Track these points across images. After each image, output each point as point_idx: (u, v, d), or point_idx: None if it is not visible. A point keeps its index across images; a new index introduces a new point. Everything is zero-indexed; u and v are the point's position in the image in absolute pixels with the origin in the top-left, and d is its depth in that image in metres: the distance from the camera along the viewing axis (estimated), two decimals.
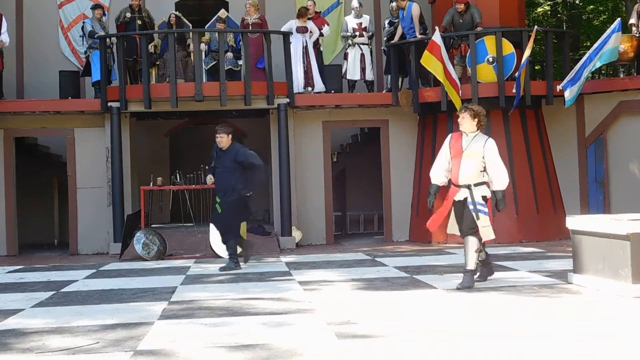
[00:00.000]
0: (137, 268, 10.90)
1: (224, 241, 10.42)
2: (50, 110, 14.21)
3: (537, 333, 5.68)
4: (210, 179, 10.41)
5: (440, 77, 13.06)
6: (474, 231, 7.89)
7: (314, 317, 6.55)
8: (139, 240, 12.25)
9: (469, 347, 5.25)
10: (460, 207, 7.94)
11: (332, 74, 14.76)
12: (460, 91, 13.14)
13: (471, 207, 7.86)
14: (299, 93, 14.30)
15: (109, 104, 13.77)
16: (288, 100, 14.04)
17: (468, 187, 7.88)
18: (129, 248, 12.58)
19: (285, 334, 5.86)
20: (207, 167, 10.77)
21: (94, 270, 10.74)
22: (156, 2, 15.69)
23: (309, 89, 14.41)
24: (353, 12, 14.73)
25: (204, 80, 13.77)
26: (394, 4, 14.70)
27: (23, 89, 15.58)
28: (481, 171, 7.90)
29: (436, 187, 8.15)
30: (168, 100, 13.42)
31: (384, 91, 14.99)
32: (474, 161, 7.86)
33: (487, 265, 8.34)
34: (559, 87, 13.32)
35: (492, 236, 8.01)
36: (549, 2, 23.62)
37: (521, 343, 5.35)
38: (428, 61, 13.09)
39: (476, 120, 7.90)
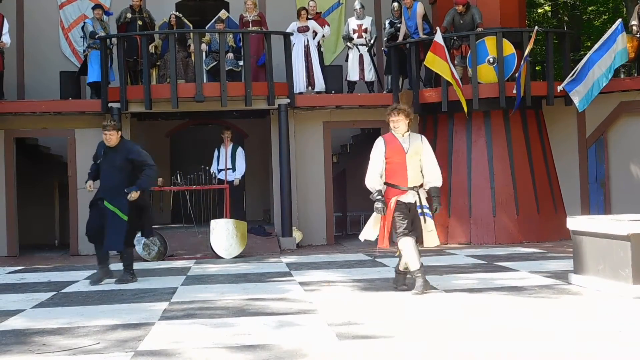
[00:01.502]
0: (137, 269, 10.83)
1: (125, 252, 9.29)
2: (51, 110, 14.20)
3: (537, 333, 5.68)
4: (90, 185, 9.39)
5: (448, 77, 13.07)
6: (413, 234, 7.68)
7: (315, 317, 6.55)
8: (140, 241, 12.24)
9: (469, 347, 5.25)
10: (405, 209, 7.68)
11: (333, 75, 14.76)
12: (462, 91, 13.15)
13: (419, 210, 7.69)
14: (299, 93, 14.31)
15: (110, 104, 13.76)
16: (288, 100, 14.04)
17: (415, 189, 7.71)
18: None
19: (286, 334, 5.86)
20: (89, 172, 9.50)
21: (95, 271, 10.71)
22: (157, 2, 15.69)
23: (310, 88, 14.41)
24: (355, 13, 14.73)
25: (205, 81, 13.76)
26: (395, 4, 14.70)
27: (24, 90, 15.57)
28: (421, 172, 7.77)
29: (379, 192, 7.72)
30: (169, 100, 13.41)
31: (384, 92, 14.99)
32: (417, 161, 7.73)
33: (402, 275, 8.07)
34: (559, 88, 13.34)
35: (437, 242, 7.89)
36: (550, 3, 23.62)
37: (522, 343, 5.35)
38: (432, 62, 13.10)
39: (409, 119, 7.77)
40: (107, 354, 5.35)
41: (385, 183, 7.76)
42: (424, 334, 5.75)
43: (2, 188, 14.16)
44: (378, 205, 7.70)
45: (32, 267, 11.74)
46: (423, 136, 7.95)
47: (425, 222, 7.72)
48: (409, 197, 7.69)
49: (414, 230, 7.73)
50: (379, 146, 7.78)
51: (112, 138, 9.17)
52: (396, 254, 8.10)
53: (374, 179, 7.76)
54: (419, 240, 7.79)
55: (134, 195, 8.96)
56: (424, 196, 7.78)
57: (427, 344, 5.41)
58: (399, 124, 7.73)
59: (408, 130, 7.81)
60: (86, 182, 9.50)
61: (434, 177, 7.78)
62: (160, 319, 6.68)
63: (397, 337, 5.67)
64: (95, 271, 9.55)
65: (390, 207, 7.64)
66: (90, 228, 9.32)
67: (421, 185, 7.80)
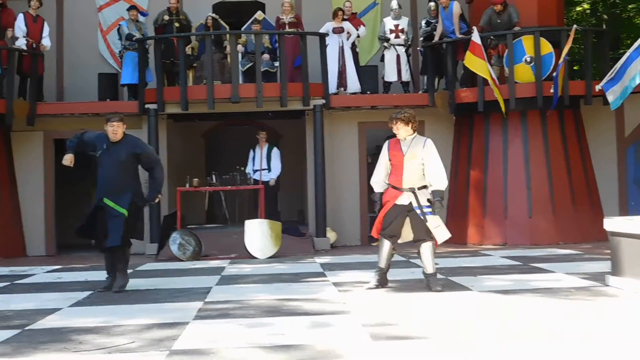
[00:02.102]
0: (172, 268, 10.99)
1: (120, 251, 8.57)
2: (89, 112, 14.38)
3: (572, 334, 5.62)
4: (70, 160, 8.69)
5: (487, 76, 12.99)
6: (430, 237, 7.93)
7: (349, 318, 6.55)
8: (175, 241, 12.35)
9: (503, 348, 5.20)
10: (401, 211, 7.94)
11: (368, 75, 14.73)
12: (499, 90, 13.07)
13: (418, 211, 7.89)
14: (334, 94, 14.31)
15: (147, 106, 13.90)
16: (324, 101, 14.05)
17: (412, 190, 7.90)
18: (165, 248, 12.69)
19: (320, 335, 5.86)
20: (63, 158, 8.76)
21: (131, 271, 10.74)
22: (193, 4, 15.79)
23: (342, 89, 14.41)
24: (392, 13, 14.69)
25: (240, 82, 13.84)
26: (432, 3, 14.63)
27: (63, 92, 15.78)
28: (423, 174, 7.96)
29: (379, 195, 8.16)
30: (205, 102, 13.50)
31: (420, 92, 14.93)
32: (415, 164, 7.92)
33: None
34: (597, 87, 13.15)
35: (447, 235, 8.03)
36: (588, 1, 23.32)
37: (556, 344, 5.30)
38: (470, 62, 13.02)
39: (410, 124, 7.97)
40: (142, 353, 5.40)
41: (387, 183, 8.11)
42: (458, 335, 5.72)
43: (41, 188, 14.37)
44: (377, 206, 8.18)
45: (69, 266, 11.90)
46: (428, 140, 8.10)
47: (427, 220, 7.89)
48: (404, 199, 7.94)
49: (397, 236, 8.09)
50: (383, 149, 8.19)
51: (118, 131, 8.54)
52: (374, 244, 8.70)
53: (375, 181, 8.21)
54: (424, 240, 7.98)
55: (157, 200, 8.84)
56: (423, 197, 7.93)
57: (463, 345, 5.37)
58: (399, 130, 8.02)
59: (413, 134, 8.03)
60: (66, 155, 8.69)
61: (435, 180, 7.93)
62: (194, 318, 6.72)
63: (432, 338, 5.65)
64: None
65: (386, 206, 8.01)
66: (86, 225, 8.64)
67: (422, 187, 7.95)
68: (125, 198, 8.39)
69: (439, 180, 7.92)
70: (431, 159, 7.94)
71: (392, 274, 9.22)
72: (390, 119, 8.05)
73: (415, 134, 8.07)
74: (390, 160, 8.04)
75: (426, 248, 8.00)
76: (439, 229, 7.96)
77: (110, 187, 8.43)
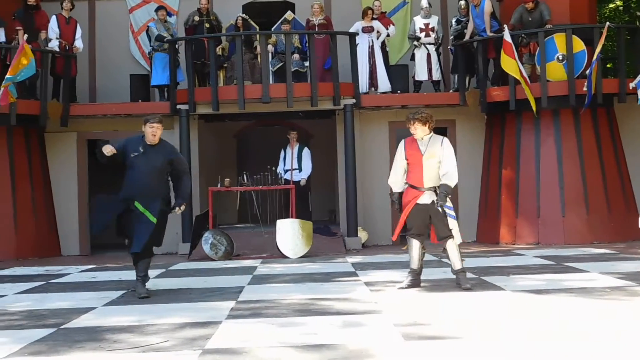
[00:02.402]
0: (205, 268, 11.04)
1: (141, 258, 8.32)
2: (122, 113, 14.52)
3: (606, 334, 5.55)
4: (111, 151, 8.36)
5: (518, 75, 12.89)
6: (450, 235, 7.98)
7: (381, 318, 6.54)
8: (207, 241, 12.41)
9: (536, 348, 5.16)
10: (423, 210, 7.97)
11: (399, 74, 14.70)
12: (530, 90, 12.95)
13: (440, 210, 7.91)
14: (364, 93, 14.29)
15: (178, 106, 13.99)
16: (354, 100, 14.04)
17: (434, 190, 7.94)
18: (197, 248, 12.76)
19: (352, 334, 5.86)
20: (103, 147, 8.40)
21: (163, 270, 10.92)
22: (223, 5, 15.87)
23: (372, 89, 14.39)
24: (422, 12, 14.64)
25: (271, 82, 13.88)
26: (462, 2, 14.55)
27: (95, 93, 15.94)
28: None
29: (398, 195, 8.18)
30: (235, 102, 13.56)
31: (450, 91, 14.86)
32: (434, 163, 7.95)
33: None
34: (631, 85, 13.00)
35: (459, 240, 8.10)
36: None
37: (590, 344, 5.24)
38: (505, 63, 12.93)
39: (427, 124, 8.02)
40: (176, 352, 5.44)
41: (406, 183, 8.10)
42: (491, 335, 5.68)
43: (75, 189, 14.53)
44: (395, 206, 8.26)
45: (103, 266, 12.01)
46: (445, 139, 8.13)
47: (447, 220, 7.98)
48: (426, 198, 7.96)
49: (424, 235, 8.15)
50: (399, 148, 8.19)
51: (157, 133, 8.23)
52: (403, 249, 8.55)
53: (393, 180, 8.21)
54: (448, 237, 8.03)
55: (183, 208, 8.46)
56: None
57: (496, 345, 5.34)
58: (416, 130, 8.06)
59: (429, 134, 8.08)
60: (106, 146, 8.35)
61: (448, 176, 7.95)
62: (227, 317, 6.75)
63: (464, 337, 5.62)
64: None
65: (408, 207, 7.98)
66: (102, 220, 8.47)
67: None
68: (155, 205, 8.14)
69: (451, 177, 7.94)
70: (447, 156, 7.98)
71: (424, 274, 9.17)
72: (408, 119, 8.10)
73: (432, 133, 8.10)
74: (407, 159, 8.06)
75: (451, 245, 8.04)
76: (453, 232, 8.01)
77: (143, 192, 8.13)
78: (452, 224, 7.99)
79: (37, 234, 13.91)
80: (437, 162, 7.96)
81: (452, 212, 7.99)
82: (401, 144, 8.20)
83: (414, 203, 7.97)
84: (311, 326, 6.20)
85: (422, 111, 8.15)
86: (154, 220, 8.10)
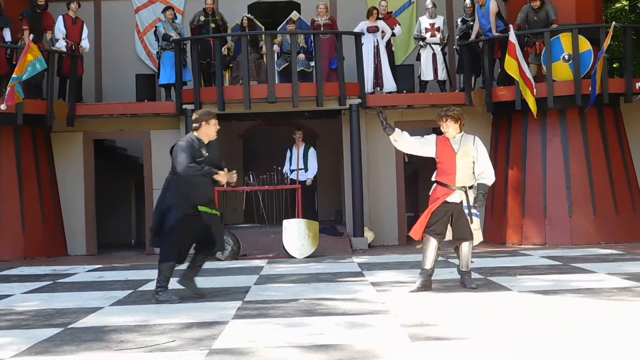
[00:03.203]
0: (211, 268, 11.03)
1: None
2: (128, 113, 14.55)
3: (614, 335, 5.54)
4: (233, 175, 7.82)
5: (517, 76, 12.86)
6: (471, 236, 7.91)
7: (387, 318, 6.53)
8: None
9: (543, 349, 5.15)
10: (449, 210, 7.85)
11: (404, 74, 14.69)
12: (535, 90, 12.91)
13: (466, 211, 7.82)
14: (370, 93, 14.29)
15: (184, 106, 14.00)
16: (360, 100, 14.04)
17: (464, 190, 7.83)
18: None
19: (359, 335, 5.86)
20: (195, 163, 7.65)
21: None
22: (229, 5, 15.89)
23: (378, 89, 14.38)
24: (427, 12, 14.63)
25: (277, 82, 13.89)
26: (468, 1, 14.54)
27: (101, 93, 15.98)
28: (473, 173, 7.87)
29: (396, 131, 8.11)
30: (241, 102, 13.57)
31: (456, 91, 14.85)
32: (467, 162, 7.85)
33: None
34: (638, 85, 12.97)
35: (481, 239, 8.06)
36: None
37: (597, 344, 5.23)
38: (509, 64, 12.89)
39: (459, 122, 7.91)
40: (183, 352, 5.44)
41: (435, 181, 7.97)
42: (499, 336, 5.67)
43: (82, 188, 14.57)
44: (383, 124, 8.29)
45: (110, 265, 12.03)
46: (477, 137, 8.06)
47: (472, 222, 7.88)
48: (455, 197, 7.84)
49: (443, 235, 7.94)
50: (430, 139, 8.02)
51: (217, 129, 7.96)
52: (418, 247, 8.35)
53: (407, 139, 8.10)
54: (465, 239, 7.96)
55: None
56: (472, 197, 7.86)
57: (503, 346, 5.33)
58: (449, 128, 7.95)
59: (460, 132, 7.98)
60: (215, 171, 7.68)
61: (486, 175, 7.88)
62: (234, 317, 6.76)
63: (472, 338, 5.61)
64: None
65: (435, 204, 7.84)
66: (181, 248, 7.90)
67: (471, 187, 7.89)
68: (213, 201, 8.05)
69: (489, 175, 7.88)
70: (482, 155, 7.90)
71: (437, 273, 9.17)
72: (440, 117, 7.94)
73: (463, 132, 8.00)
74: (437, 157, 7.92)
75: (466, 246, 7.99)
76: (478, 232, 7.97)
77: (205, 193, 7.85)
78: (478, 223, 7.91)
79: (44, 233, 13.95)
80: (471, 161, 7.85)
81: (477, 212, 7.90)
82: (433, 136, 8.03)
83: (443, 201, 7.79)
84: (318, 326, 6.20)
85: (453, 108, 8.01)
86: (217, 212, 8.00)
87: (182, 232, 7.71)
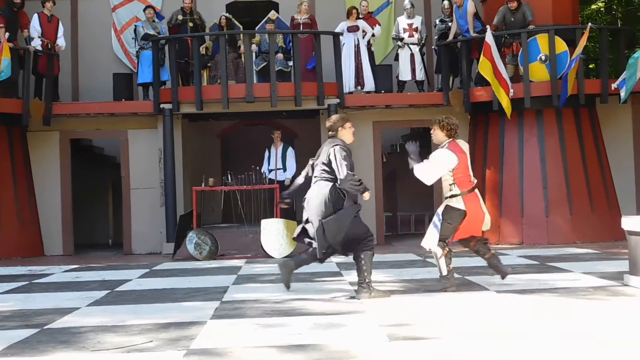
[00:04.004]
0: (189, 268, 11.02)
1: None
2: (105, 112, 14.47)
3: (590, 334, 5.59)
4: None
5: (489, 77, 12.93)
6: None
7: (365, 318, 6.54)
8: (191, 240, 12.38)
9: (522, 349, 5.18)
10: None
11: (382, 74, 14.73)
12: (511, 91, 13.00)
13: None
14: (349, 93, 14.30)
15: (162, 105, 13.95)
16: (338, 100, 14.05)
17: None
18: (181, 248, 12.73)
19: (337, 335, 5.86)
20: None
21: (148, 270, 10.89)
22: (207, 4, 15.85)
23: (359, 88, 14.41)
24: (405, 12, 14.67)
25: (255, 82, 13.87)
26: (446, 2, 14.60)
27: (78, 92, 15.87)
28: (450, 180, 7.84)
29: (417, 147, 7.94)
30: (219, 101, 13.54)
31: (434, 91, 14.91)
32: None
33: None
34: (613, 86, 13.08)
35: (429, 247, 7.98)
36: None
37: (575, 344, 5.27)
38: (483, 66, 12.95)
39: (444, 131, 7.86)
40: (160, 352, 5.42)
41: (470, 190, 7.85)
42: (477, 335, 5.70)
43: (58, 188, 14.46)
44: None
45: (87, 265, 11.96)
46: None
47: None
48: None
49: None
50: (451, 158, 7.78)
51: None
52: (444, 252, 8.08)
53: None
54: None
55: None
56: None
57: (480, 345, 5.36)
58: (435, 135, 7.99)
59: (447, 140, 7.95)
60: (367, 189, 7.72)
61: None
62: (212, 317, 6.74)
63: (450, 338, 5.63)
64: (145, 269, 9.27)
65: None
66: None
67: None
68: None
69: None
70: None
71: (409, 274, 9.23)
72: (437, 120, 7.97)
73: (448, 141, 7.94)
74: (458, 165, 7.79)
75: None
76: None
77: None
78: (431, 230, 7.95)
79: (20, 233, 13.83)
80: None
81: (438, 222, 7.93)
82: (452, 155, 7.77)
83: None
84: (296, 326, 6.19)
85: (449, 117, 7.98)
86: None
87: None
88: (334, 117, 8.02)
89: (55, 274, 10.73)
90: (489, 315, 6.58)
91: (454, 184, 7.83)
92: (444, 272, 7.90)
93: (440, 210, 7.94)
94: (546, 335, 5.63)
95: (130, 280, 9.73)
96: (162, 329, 6.24)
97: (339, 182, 7.61)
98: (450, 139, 7.89)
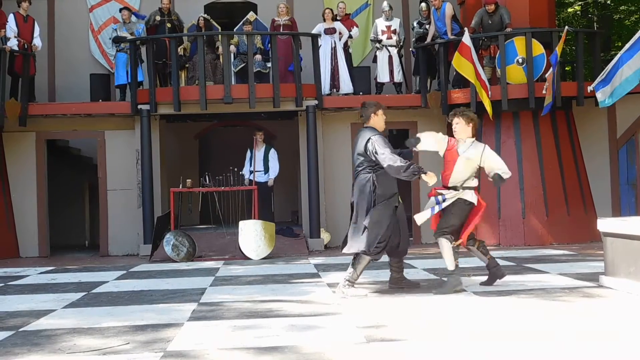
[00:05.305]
0: (166, 269, 10.98)
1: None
2: (81, 112, 14.36)
3: (565, 335, 5.63)
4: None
5: (472, 78, 12.99)
6: (444, 232, 7.85)
7: (343, 319, 6.55)
8: (169, 242, 12.33)
9: (496, 349, 5.21)
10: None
11: (361, 76, 14.76)
12: (489, 92, 13.07)
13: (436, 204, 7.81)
14: (327, 95, 14.32)
15: (139, 106, 13.88)
16: (316, 102, 14.06)
17: (455, 188, 7.84)
18: (158, 249, 12.67)
19: (313, 336, 5.86)
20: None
21: (124, 272, 10.83)
22: (185, 5, 15.79)
23: (334, 90, 14.42)
24: (383, 14, 14.71)
25: (233, 83, 13.84)
26: (423, 4, 14.66)
27: (55, 92, 15.75)
28: (471, 176, 7.86)
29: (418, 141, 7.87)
30: (197, 102, 13.49)
31: (412, 93, 14.96)
32: (467, 165, 7.84)
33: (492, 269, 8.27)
34: (589, 88, 13.16)
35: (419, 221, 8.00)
36: (580, 2, 23.39)
37: (550, 344, 5.31)
38: (459, 63, 13.02)
39: (470, 125, 7.88)
40: (137, 354, 5.39)
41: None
42: (454, 337, 5.73)
43: (34, 189, 14.33)
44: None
45: (63, 267, 11.87)
46: (487, 146, 8.08)
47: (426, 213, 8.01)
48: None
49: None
50: (445, 137, 7.95)
51: None
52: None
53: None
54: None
55: None
56: (455, 195, 7.93)
57: (457, 346, 5.38)
58: (458, 128, 7.95)
59: (473, 137, 8.00)
60: (424, 170, 7.52)
61: (505, 170, 8.10)
62: (189, 319, 6.72)
63: (427, 339, 5.65)
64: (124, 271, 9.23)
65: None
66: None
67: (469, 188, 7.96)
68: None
69: (507, 170, 8.09)
70: (497, 158, 8.13)
71: (386, 275, 9.21)
72: (456, 113, 7.98)
73: (475, 139, 7.99)
74: (444, 154, 7.92)
75: (443, 244, 7.98)
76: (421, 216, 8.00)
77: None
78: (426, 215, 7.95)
79: None
80: (472, 167, 7.88)
81: (434, 209, 7.91)
82: (446, 137, 7.92)
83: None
84: (273, 328, 6.19)
85: (469, 110, 8.04)
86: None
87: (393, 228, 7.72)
88: (368, 102, 7.92)
89: (31, 276, 10.64)
90: (467, 316, 6.60)
91: (475, 175, 7.88)
92: (451, 267, 7.84)
93: (448, 196, 7.77)
94: (523, 336, 5.66)
95: (107, 282, 9.68)
96: (139, 331, 6.21)
97: (388, 172, 7.52)
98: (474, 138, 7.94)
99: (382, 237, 7.62)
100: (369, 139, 7.67)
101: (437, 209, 7.84)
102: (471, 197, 7.85)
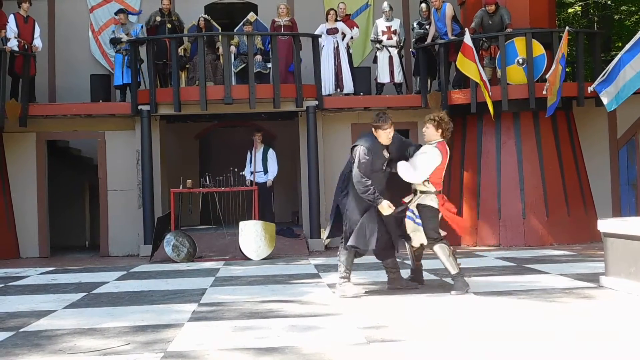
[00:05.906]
0: (167, 270, 10.97)
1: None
2: (82, 113, 14.36)
3: (565, 335, 5.63)
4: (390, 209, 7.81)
5: (477, 78, 13.00)
6: (433, 241, 7.90)
7: (343, 320, 6.55)
8: (169, 242, 12.33)
9: (499, 349, 5.21)
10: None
11: (361, 76, 14.76)
12: (490, 92, 13.07)
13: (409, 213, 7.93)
14: (327, 95, 14.32)
15: (139, 107, 13.88)
16: (317, 102, 14.06)
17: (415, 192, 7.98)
18: (159, 250, 12.67)
19: (314, 337, 5.86)
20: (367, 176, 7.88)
21: (125, 272, 10.83)
22: (185, 5, 15.79)
23: (338, 90, 14.43)
24: (383, 15, 14.72)
25: (233, 83, 13.84)
26: (423, 5, 14.66)
27: (55, 93, 15.75)
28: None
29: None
30: (198, 103, 13.50)
31: (412, 93, 14.96)
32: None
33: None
34: (590, 89, 13.20)
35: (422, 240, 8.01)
36: (580, 3, 23.39)
37: (550, 344, 5.31)
38: (462, 64, 13.03)
39: (440, 131, 7.87)
40: (137, 355, 5.39)
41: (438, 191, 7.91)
42: (454, 337, 5.73)
43: (34, 190, 14.34)
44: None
45: (63, 268, 11.86)
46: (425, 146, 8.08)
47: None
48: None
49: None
50: (438, 157, 7.82)
51: None
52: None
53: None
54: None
55: None
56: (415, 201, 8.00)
57: (458, 347, 5.38)
58: (426, 132, 8.04)
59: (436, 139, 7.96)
60: (379, 201, 7.79)
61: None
62: (189, 320, 6.72)
63: (428, 340, 5.65)
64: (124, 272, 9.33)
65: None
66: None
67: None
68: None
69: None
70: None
71: (385, 276, 9.20)
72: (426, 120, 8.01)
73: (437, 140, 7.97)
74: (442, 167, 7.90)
75: (439, 249, 8.02)
76: (414, 234, 8.05)
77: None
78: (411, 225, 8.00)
79: None
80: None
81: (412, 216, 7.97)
82: (439, 151, 7.79)
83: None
84: (274, 329, 6.19)
85: (440, 115, 7.99)
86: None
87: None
88: (387, 117, 7.89)
89: (31, 277, 10.64)
90: (467, 316, 6.60)
91: (428, 181, 7.84)
92: (455, 271, 7.85)
93: (411, 206, 7.87)
94: (523, 336, 5.66)
95: (107, 282, 9.68)
96: (139, 332, 6.21)
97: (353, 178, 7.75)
98: (441, 140, 7.90)
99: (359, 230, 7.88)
100: (356, 145, 7.91)
101: (414, 217, 7.90)
102: (430, 201, 7.84)
